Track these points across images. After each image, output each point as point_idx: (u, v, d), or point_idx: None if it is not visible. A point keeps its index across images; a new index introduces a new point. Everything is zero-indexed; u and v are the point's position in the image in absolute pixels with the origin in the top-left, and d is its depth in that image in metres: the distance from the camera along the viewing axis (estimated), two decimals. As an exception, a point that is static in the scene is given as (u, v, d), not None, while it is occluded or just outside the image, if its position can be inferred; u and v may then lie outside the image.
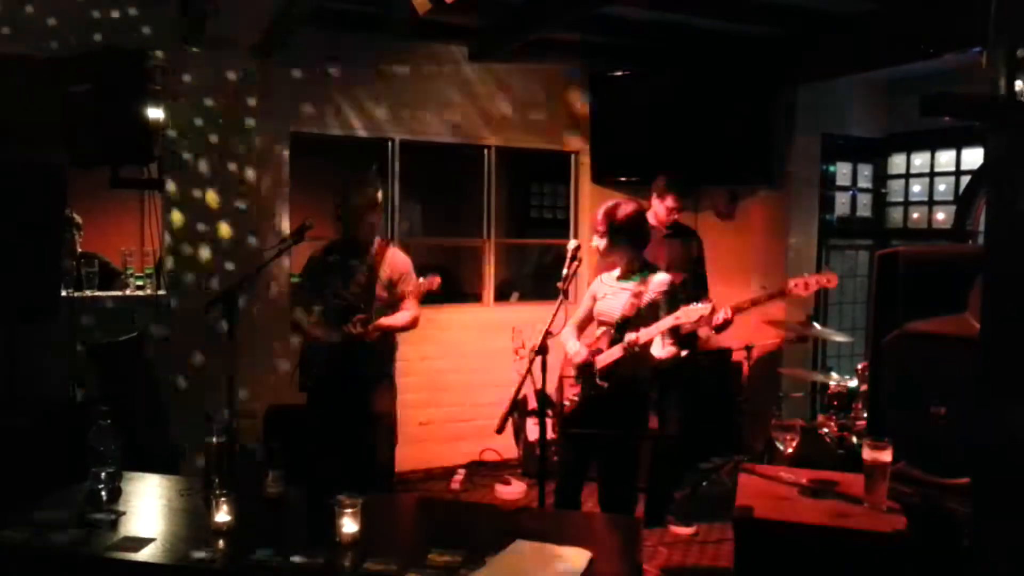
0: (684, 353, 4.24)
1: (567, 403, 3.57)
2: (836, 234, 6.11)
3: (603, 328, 3.58)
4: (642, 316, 3.44)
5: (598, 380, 3.46)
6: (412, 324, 3.88)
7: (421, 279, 3.77)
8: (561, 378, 3.64)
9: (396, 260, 3.91)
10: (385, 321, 3.76)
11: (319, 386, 3.82)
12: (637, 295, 3.46)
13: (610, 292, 3.60)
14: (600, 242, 3.55)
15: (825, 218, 6.00)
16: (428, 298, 5.90)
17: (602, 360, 3.47)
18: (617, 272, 3.63)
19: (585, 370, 3.52)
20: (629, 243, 3.54)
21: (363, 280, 3.81)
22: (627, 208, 3.52)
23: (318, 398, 3.86)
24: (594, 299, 3.67)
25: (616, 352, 3.41)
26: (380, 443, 3.88)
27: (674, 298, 3.49)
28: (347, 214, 3.81)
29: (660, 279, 3.51)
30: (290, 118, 5.19)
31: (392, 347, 3.95)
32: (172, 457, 4.11)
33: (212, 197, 4.93)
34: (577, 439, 3.54)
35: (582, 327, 3.74)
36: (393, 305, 3.82)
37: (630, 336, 3.35)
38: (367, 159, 6.02)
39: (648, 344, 3.38)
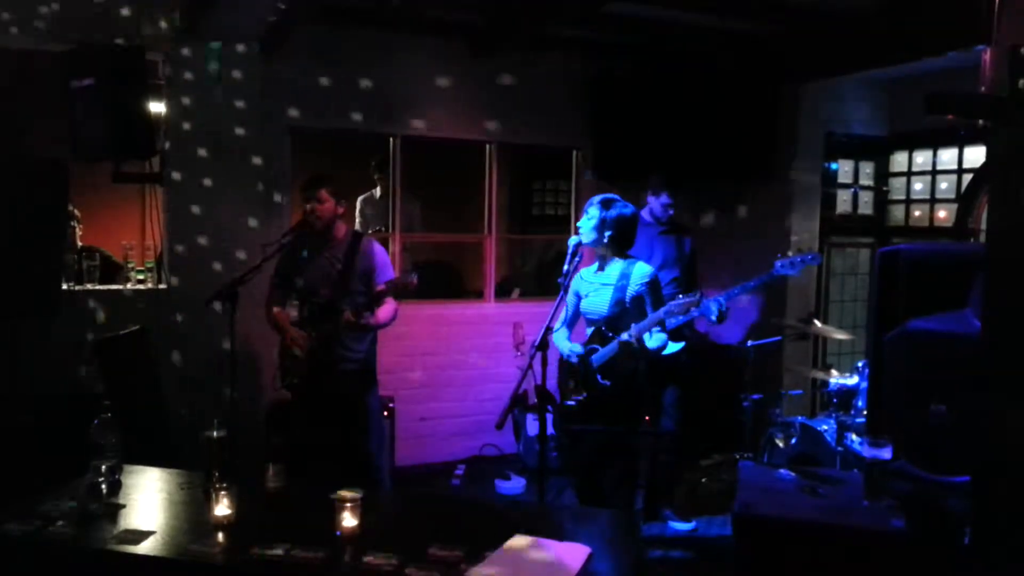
0: (680, 346, 4.26)
1: (570, 404, 3.56)
2: (838, 232, 6.10)
3: (593, 327, 3.57)
4: (628, 311, 3.44)
5: (600, 379, 3.46)
6: (393, 319, 3.87)
7: (404, 276, 3.69)
8: (560, 375, 3.64)
9: (372, 253, 3.85)
10: (372, 321, 3.75)
11: (303, 383, 3.80)
12: (621, 290, 3.45)
13: (592, 290, 3.57)
14: (586, 230, 3.48)
15: (827, 216, 6.00)
16: (430, 294, 5.97)
17: (599, 359, 3.47)
18: (596, 267, 3.59)
19: (584, 370, 3.52)
20: (614, 242, 3.49)
21: (337, 274, 3.78)
22: (622, 207, 3.48)
23: (302, 395, 3.86)
24: (578, 296, 3.63)
25: (613, 349, 3.41)
26: (367, 435, 3.89)
27: (657, 289, 3.49)
28: (313, 210, 3.75)
29: (641, 272, 3.47)
30: (291, 113, 5.19)
31: (372, 339, 3.94)
32: (172, 450, 4.12)
33: (213, 191, 4.93)
34: (590, 436, 3.54)
35: (572, 325, 3.73)
36: (369, 298, 3.71)
37: (624, 335, 3.35)
38: (368, 155, 6.03)
39: (643, 338, 3.39)
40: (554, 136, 5.99)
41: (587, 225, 3.48)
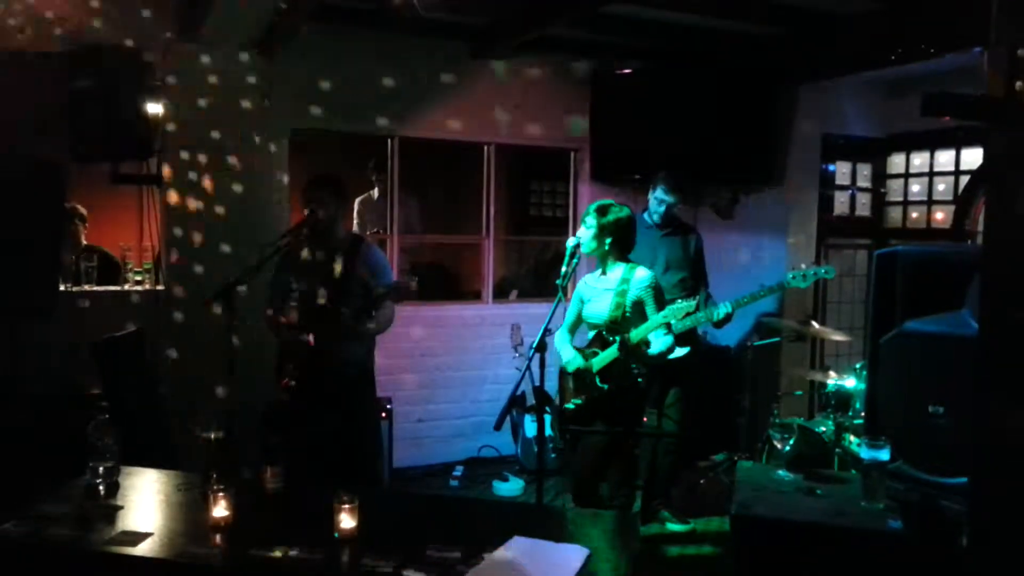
0: (686, 351, 4.27)
1: (571, 406, 3.58)
2: (835, 233, 6.11)
3: (594, 331, 3.60)
4: (628, 316, 3.46)
5: (599, 383, 3.48)
6: (391, 322, 3.86)
7: (402, 281, 3.68)
8: (561, 379, 3.65)
9: (371, 256, 3.85)
10: (371, 326, 3.74)
11: (301, 385, 3.79)
12: (622, 295, 3.47)
13: (595, 294, 3.60)
14: (586, 240, 3.50)
15: (824, 217, 6.01)
16: (428, 295, 5.97)
17: (599, 363, 3.49)
18: (599, 272, 3.63)
19: (584, 374, 3.54)
20: (615, 247, 3.52)
21: (336, 277, 3.76)
22: (618, 211, 3.51)
23: (300, 397, 3.85)
24: (582, 302, 3.67)
25: (612, 354, 3.43)
26: (365, 439, 3.88)
27: (658, 293, 3.51)
28: (315, 211, 3.72)
29: (641, 276, 3.50)
30: (290, 114, 5.18)
31: (371, 343, 3.94)
32: (170, 452, 4.11)
33: (211, 193, 4.93)
34: (589, 438, 3.56)
35: (573, 330, 3.77)
36: (367, 302, 3.70)
37: (622, 337, 3.37)
38: (366, 155, 6.02)
39: (643, 343, 3.40)
40: (553, 137, 5.98)
41: (586, 235, 3.51)
